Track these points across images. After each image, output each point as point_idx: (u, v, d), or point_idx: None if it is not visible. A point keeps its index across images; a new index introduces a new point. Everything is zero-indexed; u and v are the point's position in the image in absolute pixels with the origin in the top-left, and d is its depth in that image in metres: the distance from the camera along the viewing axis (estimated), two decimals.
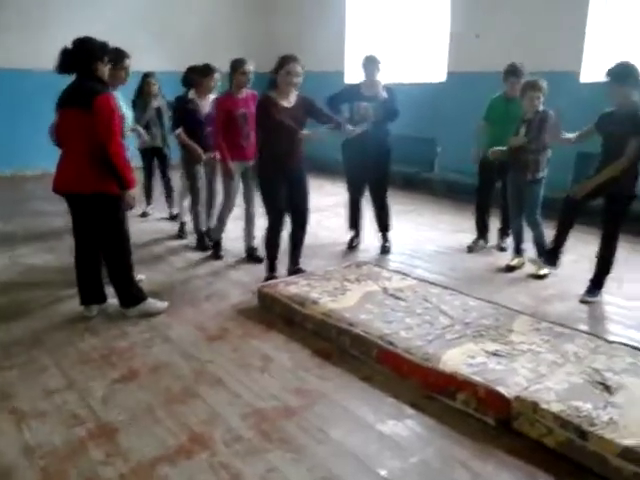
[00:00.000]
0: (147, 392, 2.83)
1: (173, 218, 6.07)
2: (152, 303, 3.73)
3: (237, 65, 4.47)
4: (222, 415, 2.64)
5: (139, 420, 2.60)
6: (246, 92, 4.55)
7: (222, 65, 4.96)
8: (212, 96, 4.99)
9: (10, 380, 2.93)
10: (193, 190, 5.10)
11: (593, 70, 6.21)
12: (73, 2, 8.63)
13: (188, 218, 5.44)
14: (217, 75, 4.89)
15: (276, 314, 3.71)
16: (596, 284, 3.98)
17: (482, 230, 5.28)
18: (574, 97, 5.64)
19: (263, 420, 2.60)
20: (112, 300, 3.75)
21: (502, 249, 5.14)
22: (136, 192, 3.52)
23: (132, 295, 3.68)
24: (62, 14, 8.46)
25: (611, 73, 3.72)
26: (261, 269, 4.46)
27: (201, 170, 5.04)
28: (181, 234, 5.52)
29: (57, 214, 5.73)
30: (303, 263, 4.40)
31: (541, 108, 4.32)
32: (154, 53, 8.61)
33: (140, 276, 4.09)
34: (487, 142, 4.91)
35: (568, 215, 4.02)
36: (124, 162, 3.35)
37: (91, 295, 3.68)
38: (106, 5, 8.78)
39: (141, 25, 8.87)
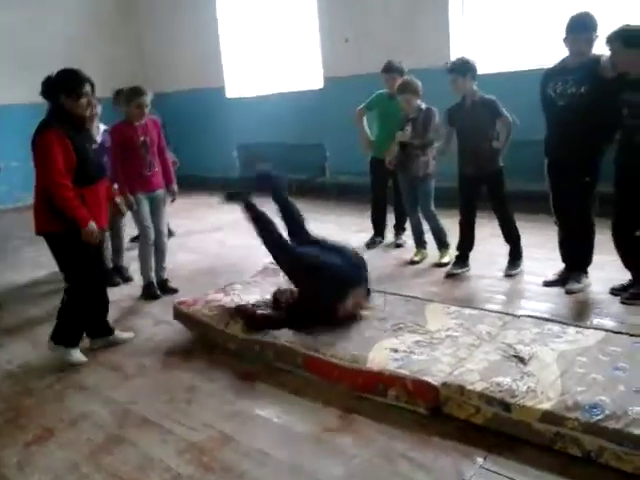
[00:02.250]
0: (68, 449, 2.64)
1: None
2: (73, 353, 3.45)
3: (132, 97, 4.16)
4: (156, 456, 2.52)
5: None
6: (145, 118, 4.29)
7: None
8: (102, 126, 4.71)
9: None
10: None
11: None
12: None
13: None
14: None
15: (194, 339, 3.61)
16: (515, 255, 4.30)
17: (378, 227, 5.42)
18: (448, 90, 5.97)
19: (201, 452, 2.51)
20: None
21: (398, 245, 5.28)
22: (92, 227, 3.24)
23: (65, 336, 3.44)
24: None
25: (454, 67, 4.12)
26: (169, 299, 4.27)
27: None
28: None
29: None
30: (212, 284, 4.32)
31: (424, 106, 4.55)
32: (13, 85, 8.06)
33: (127, 334, 3.77)
34: (376, 138, 5.10)
35: (468, 214, 4.34)
36: (66, 202, 3.18)
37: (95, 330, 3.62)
38: None
39: None
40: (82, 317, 3.49)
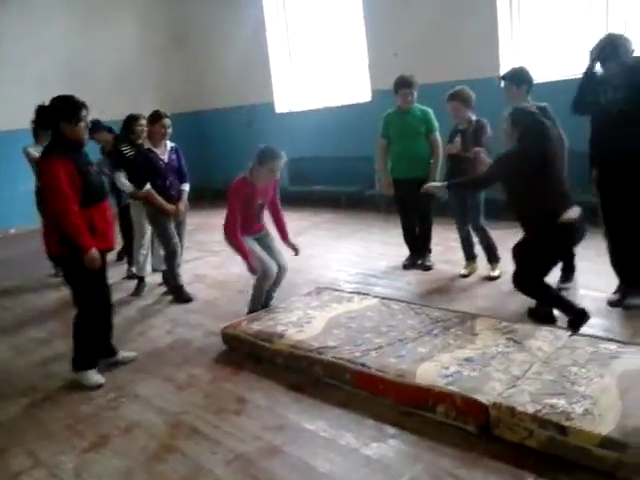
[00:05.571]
0: (122, 456, 2.72)
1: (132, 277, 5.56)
2: (89, 376, 3.48)
3: (267, 160, 3.97)
4: (205, 466, 2.57)
5: None
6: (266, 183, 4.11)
7: (147, 110, 4.86)
8: (170, 143, 4.77)
9: None
10: (169, 246, 4.77)
11: None
12: None
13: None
14: (167, 121, 4.65)
15: (244, 353, 3.66)
16: (570, 268, 4.18)
17: (413, 247, 5.18)
18: (498, 102, 5.87)
19: (248, 464, 2.54)
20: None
21: (427, 267, 5.00)
22: (93, 254, 3.23)
23: (80, 359, 3.50)
24: None
25: (509, 76, 4.07)
26: (220, 311, 4.38)
27: (171, 223, 4.78)
28: (138, 291, 5.19)
29: None
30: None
31: (474, 117, 4.48)
32: None
33: (130, 353, 3.80)
34: (392, 160, 4.99)
35: None
36: (72, 228, 3.18)
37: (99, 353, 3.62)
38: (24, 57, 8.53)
39: (55, 77, 8.61)
40: (92, 338, 3.51)
